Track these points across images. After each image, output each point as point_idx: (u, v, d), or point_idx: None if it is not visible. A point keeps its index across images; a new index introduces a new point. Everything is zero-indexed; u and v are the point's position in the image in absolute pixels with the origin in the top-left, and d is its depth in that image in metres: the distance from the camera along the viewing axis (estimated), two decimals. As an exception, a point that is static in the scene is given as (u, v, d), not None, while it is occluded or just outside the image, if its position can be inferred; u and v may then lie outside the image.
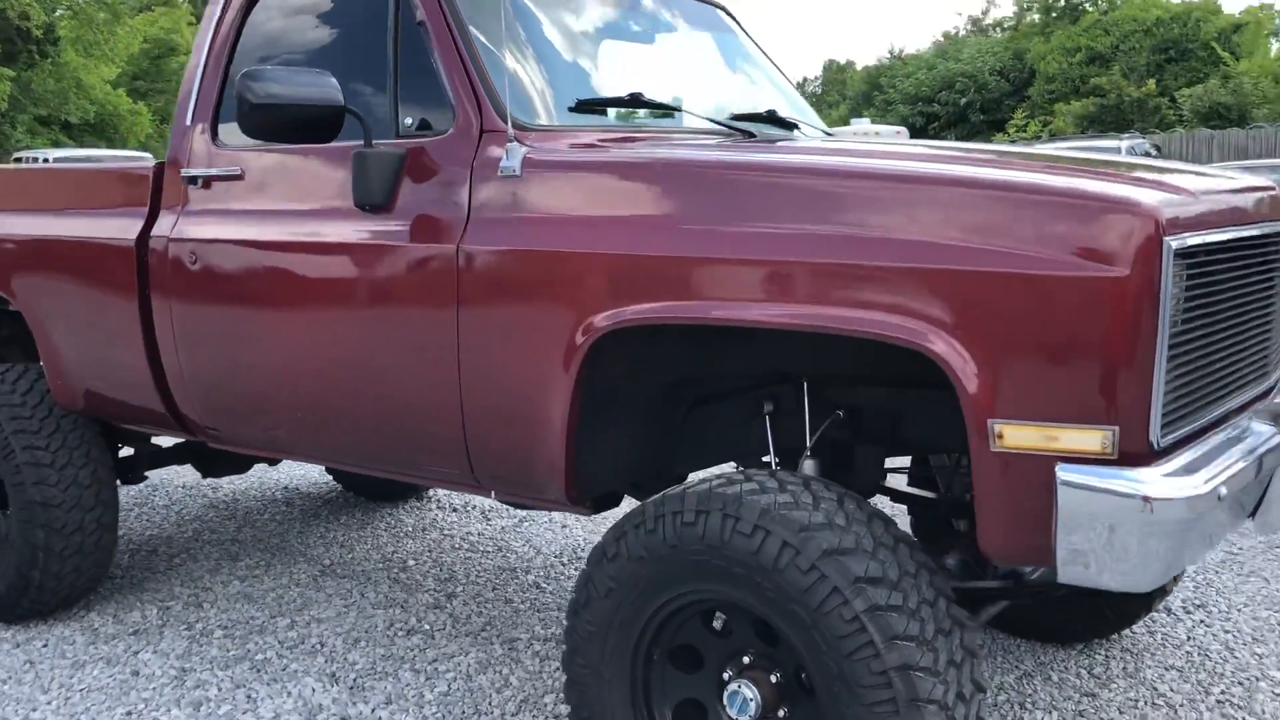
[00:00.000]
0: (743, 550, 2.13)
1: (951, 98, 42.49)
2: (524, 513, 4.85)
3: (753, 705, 2.26)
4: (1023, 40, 43.37)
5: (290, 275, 2.94)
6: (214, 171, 3.10)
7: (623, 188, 2.47)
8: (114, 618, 3.85)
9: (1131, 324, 1.87)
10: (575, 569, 4.21)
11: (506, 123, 2.60)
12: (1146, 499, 1.85)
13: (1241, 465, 2.09)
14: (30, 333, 3.67)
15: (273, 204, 2.99)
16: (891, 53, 61.05)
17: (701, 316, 2.28)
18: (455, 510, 5.05)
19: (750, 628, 2.28)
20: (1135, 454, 1.91)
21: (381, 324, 2.74)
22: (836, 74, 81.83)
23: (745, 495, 2.17)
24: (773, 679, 2.26)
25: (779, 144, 2.95)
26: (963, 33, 55.85)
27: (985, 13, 60.23)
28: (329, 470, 5.26)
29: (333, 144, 2.82)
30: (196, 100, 3.18)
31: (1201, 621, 3.62)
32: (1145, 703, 3.09)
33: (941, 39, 57.13)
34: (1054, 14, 43.07)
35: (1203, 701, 3.09)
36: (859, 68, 72.74)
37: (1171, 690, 3.15)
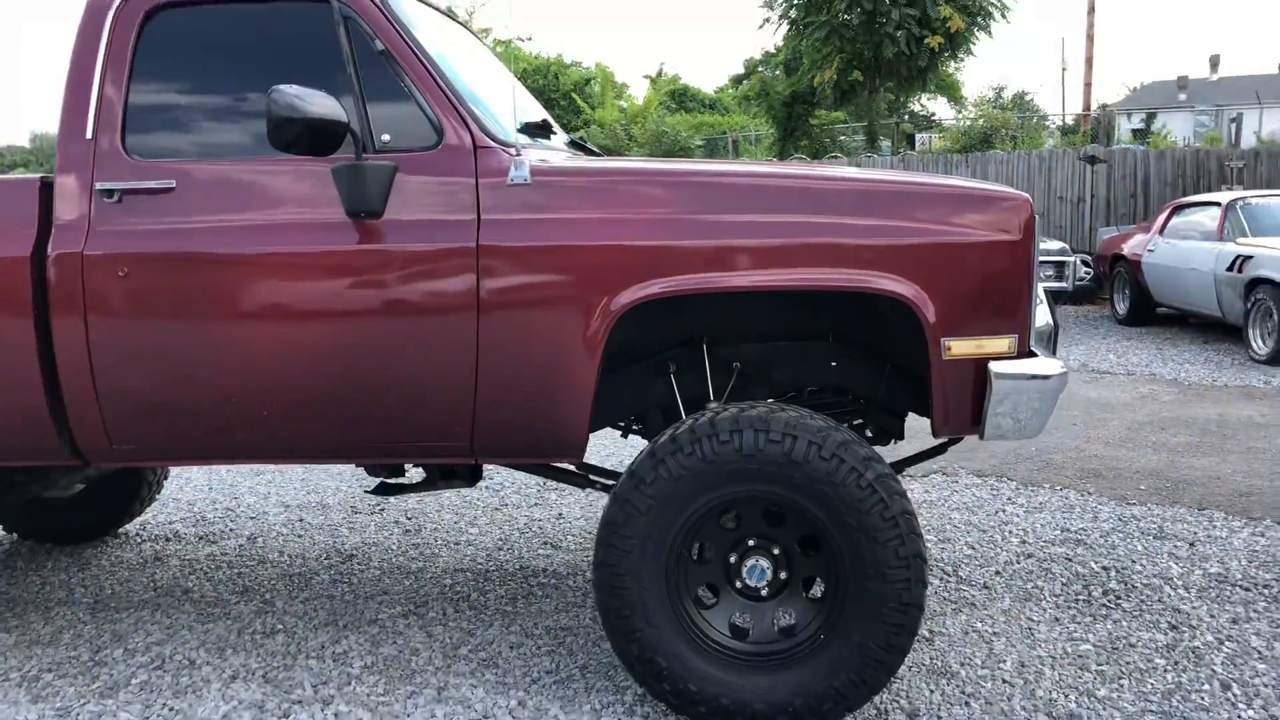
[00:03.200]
0: (775, 453, 2.89)
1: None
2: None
3: (767, 572, 3.03)
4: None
5: (264, 283, 3.05)
6: (136, 185, 3.10)
7: (623, 192, 3.07)
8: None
9: (1025, 266, 2.98)
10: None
11: (494, 140, 3.09)
12: (1044, 375, 2.96)
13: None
14: None
15: (219, 216, 3.09)
16: None
17: (731, 285, 2.98)
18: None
19: (760, 518, 3.03)
20: (1022, 354, 3.02)
21: (383, 321, 3.04)
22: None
23: (770, 415, 2.93)
24: (774, 552, 3.05)
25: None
26: None
27: None
28: (4, 527, 4.92)
29: (281, 159, 3.08)
30: (97, 113, 3.14)
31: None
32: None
33: None
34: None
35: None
36: None
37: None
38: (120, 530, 5.08)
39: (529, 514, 5.28)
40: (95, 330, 3.09)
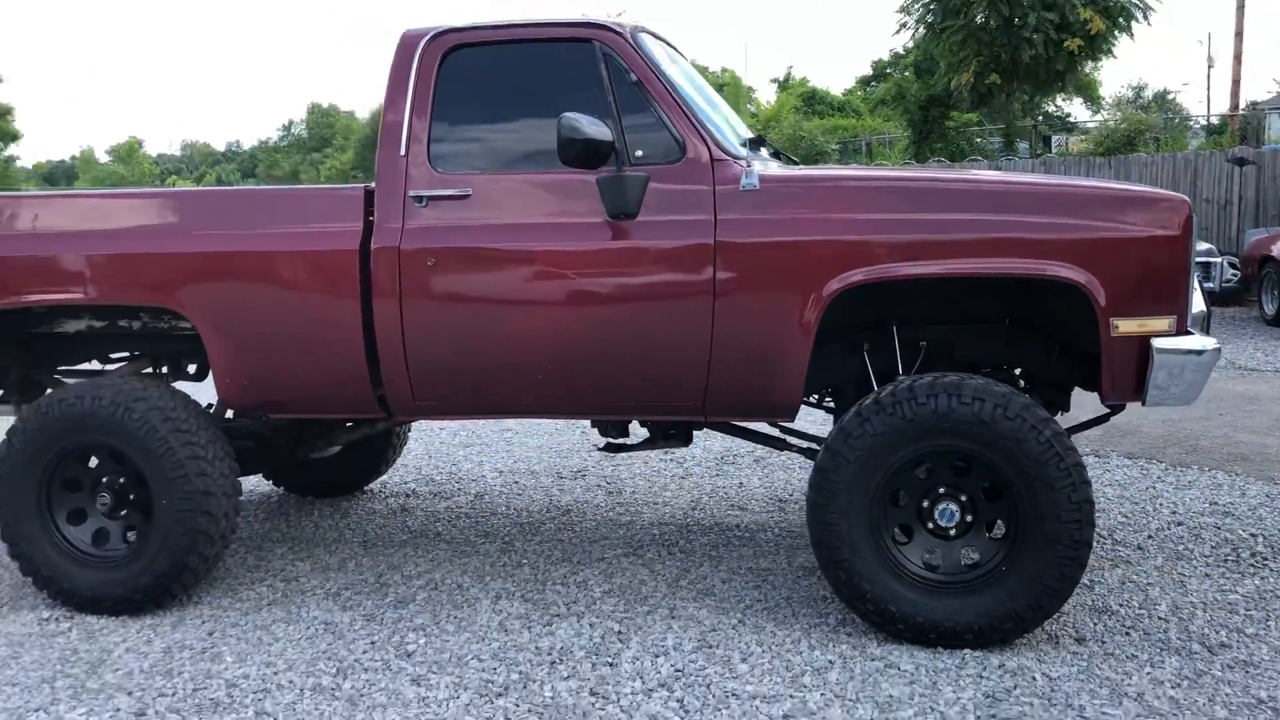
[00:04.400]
0: (966, 414, 3.48)
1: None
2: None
3: (955, 514, 3.62)
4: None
5: (541, 272, 3.79)
6: (440, 192, 3.87)
7: (838, 197, 3.71)
8: (233, 594, 4.31)
9: (1184, 259, 3.51)
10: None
11: (726, 154, 3.76)
12: (1199, 350, 3.49)
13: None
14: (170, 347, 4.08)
15: (506, 218, 3.83)
16: None
17: (923, 273, 3.58)
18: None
19: (950, 469, 3.62)
20: (1180, 332, 3.55)
21: (639, 301, 3.73)
22: (323, 117, 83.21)
23: (962, 381, 3.52)
24: (961, 498, 3.63)
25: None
26: None
27: None
28: (275, 482, 5.79)
29: (555, 171, 3.80)
30: (408, 138, 3.91)
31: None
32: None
33: None
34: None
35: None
36: (357, 114, 74.79)
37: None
38: (366, 487, 5.92)
39: (713, 483, 5.94)
40: (407, 309, 3.86)
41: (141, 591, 4.07)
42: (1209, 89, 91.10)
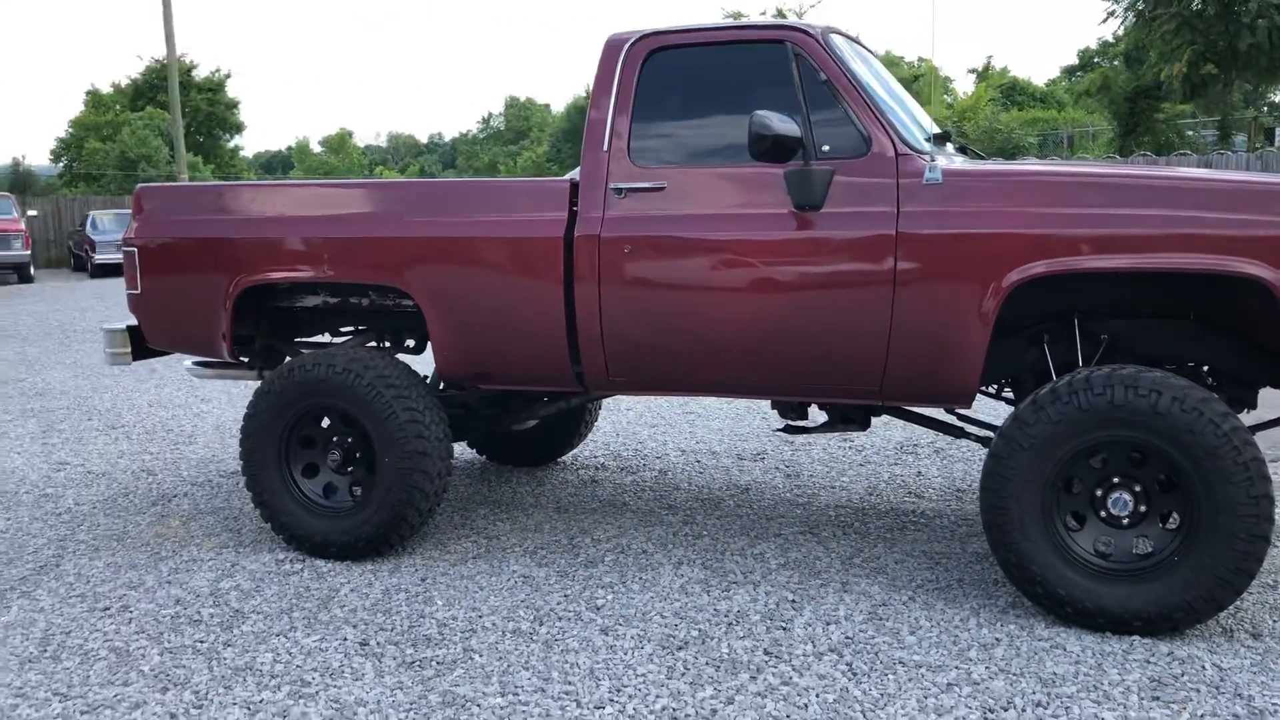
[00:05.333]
0: (1142, 405, 3.55)
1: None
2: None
3: (1129, 504, 3.69)
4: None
5: (731, 259, 4.05)
6: (638, 185, 4.19)
7: (1020, 190, 3.83)
8: (442, 547, 4.76)
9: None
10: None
11: (910, 148, 3.93)
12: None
13: None
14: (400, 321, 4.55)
15: (698, 209, 4.11)
16: (588, 93, 64.60)
17: (1104, 267, 3.66)
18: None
19: (1125, 459, 3.69)
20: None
21: (822, 288, 3.96)
22: (520, 110, 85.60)
23: (1139, 374, 3.59)
24: (1135, 488, 3.70)
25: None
26: None
27: None
28: (479, 451, 6.26)
29: (745, 165, 4.05)
30: (610, 134, 4.25)
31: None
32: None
33: None
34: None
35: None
36: (553, 108, 76.72)
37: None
38: (559, 460, 6.33)
39: (891, 470, 6.07)
40: (605, 291, 4.19)
41: (364, 540, 4.56)
42: None
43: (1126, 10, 24.73)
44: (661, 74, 4.28)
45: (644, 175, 4.20)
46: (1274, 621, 3.80)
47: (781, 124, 3.80)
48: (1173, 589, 3.59)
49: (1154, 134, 27.10)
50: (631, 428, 7.24)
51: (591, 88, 4.34)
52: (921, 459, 6.32)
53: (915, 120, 4.34)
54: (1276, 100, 37.40)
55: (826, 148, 4.00)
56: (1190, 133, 28.70)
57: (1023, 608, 3.93)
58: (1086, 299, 4.09)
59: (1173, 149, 25.37)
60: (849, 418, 4.58)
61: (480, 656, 3.67)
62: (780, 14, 32.62)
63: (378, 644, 3.79)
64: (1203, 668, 3.43)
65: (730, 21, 4.29)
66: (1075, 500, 3.78)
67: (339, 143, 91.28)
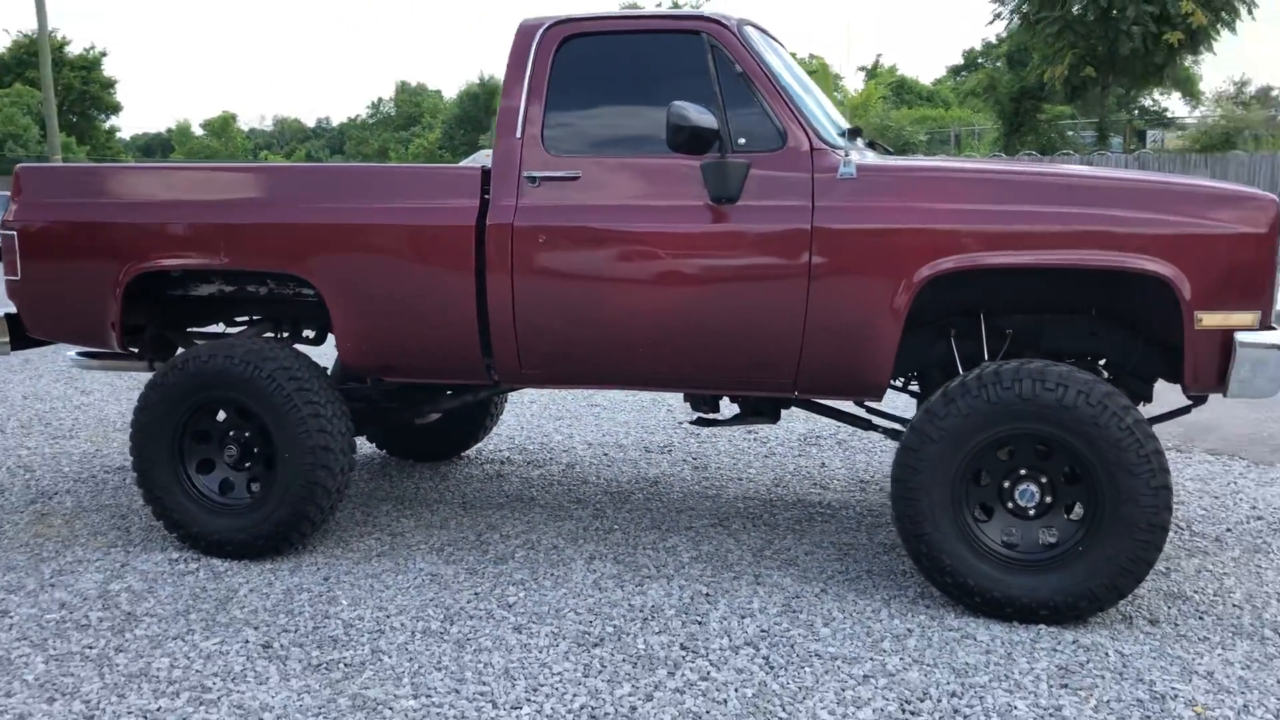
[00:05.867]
0: (1050, 399, 3.62)
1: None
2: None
3: (1035, 495, 3.77)
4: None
5: (649, 249, 4.00)
6: (552, 174, 4.10)
7: (934, 187, 3.86)
8: (345, 545, 4.62)
9: (1270, 256, 3.61)
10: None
11: (825, 143, 3.93)
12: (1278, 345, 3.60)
13: None
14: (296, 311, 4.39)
15: (614, 199, 4.05)
16: (482, 80, 64.66)
17: (1014, 263, 3.72)
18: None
19: (1032, 452, 3.76)
20: (1265, 327, 3.65)
21: (738, 281, 3.94)
22: (411, 96, 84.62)
23: (1046, 368, 3.66)
24: (1041, 480, 3.78)
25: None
26: None
27: None
28: (379, 445, 6.10)
29: (661, 156, 4.01)
30: (524, 121, 4.16)
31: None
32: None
33: None
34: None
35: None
36: (445, 94, 76.41)
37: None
38: (463, 454, 6.22)
39: (795, 462, 6.12)
40: (518, 282, 4.10)
41: (263, 538, 4.39)
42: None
43: (1012, 13, 25.53)
44: (575, 61, 4.20)
45: (559, 164, 4.12)
46: (1169, 608, 3.92)
47: (699, 115, 3.77)
48: (1078, 578, 3.67)
49: (1037, 134, 28.04)
50: (536, 421, 7.16)
51: (504, 74, 4.25)
52: (825, 450, 6.38)
53: (828, 115, 4.36)
54: (1146, 104, 39.06)
55: (742, 140, 3.98)
56: (1070, 133, 29.76)
57: (932, 598, 3.99)
58: (992, 294, 4.16)
59: (1055, 149, 26.24)
60: (760, 410, 4.58)
61: (390, 658, 3.56)
62: (675, 4, 32.76)
63: (281, 646, 3.65)
64: (1106, 655, 3.53)
65: (647, 10, 4.23)
66: (983, 492, 3.85)
67: (222, 126, 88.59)
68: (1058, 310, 4.22)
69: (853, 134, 4.38)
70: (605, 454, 6.30)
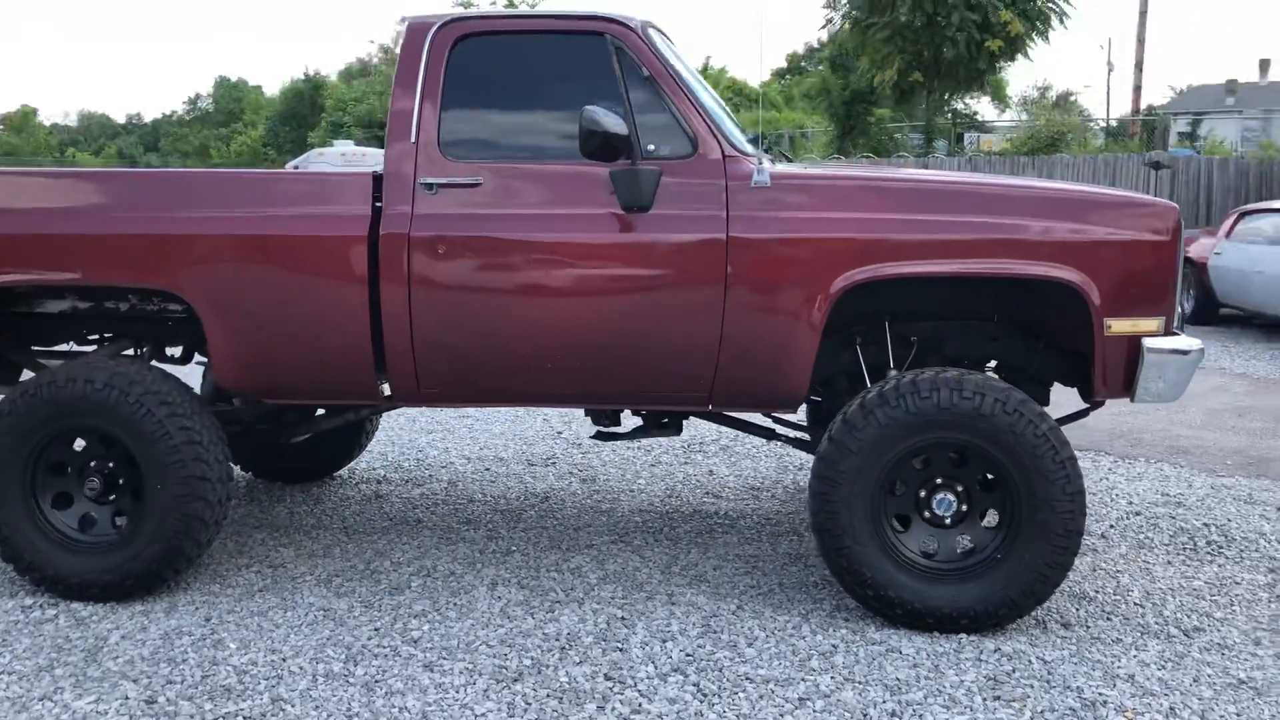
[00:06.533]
0: (967, 407, 3.61)
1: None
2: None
3: (953, 504, 3.76)
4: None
5: (558, 260, 3.81)
6: (452, 180, 3.86)
7: (849, 196, 3.80)
8: (222, 581, 4.28)
9: (1174, 264, 3.69)
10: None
11: (737, 150, 3.83)
12: (1186, 350, 3.68)
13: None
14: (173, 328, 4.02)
15: (519, 207, 3.84)
16: (307, 76, 63.10)
17: (932, 272, 3.70)
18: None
19: (947, 460, 3.76)
20: (1168, 332, 3.73)
21: (651, 293, 3.79)
22: (230, 91, 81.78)
23: (963, 376, 3.66)
24: (957, 488, 3.78)
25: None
26: (375, 60, 59.89)
27: (395, 42, 64.89)
28: (244, 468, 5.71)
29: (566, 162, 3.84)
30: (418, 125, 3.90)
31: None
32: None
33: (356, 65, 61.65)
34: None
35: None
36: (266, 91, 74.39)
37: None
38: (335, 474, 5.88)
39: (683, 470, 6.03)
40: (416, 295, 3.85)
41: (132, 578, 4.01)
42: (1109, 92, 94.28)
43: (844, 18, 26.25)
44: (472, 62, 3.98)
45: (458, 170, 3.89)
46: (1076, 609, 3.99)
47: (611, 121, 3.61)
48: (996, 585, 3.69)
49: (868, 136, 28.97)
50: (407, 435, 6.85)
51: (395, 74, 3.98)
52: (710, 457, 6.31)
53: (732, 121, 4.27)
54: (960, 108, 40.92)
55: (651, 147, 3.84)
56: (898, 136, 30.86)
57: (849, 610, 3.94)
58: (898, 301, 4.15)
59: (888, 151, 27.14)
60: (664, 422, 4.46)
61: (293, 707, 3.28)
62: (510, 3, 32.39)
63: (169, 700, 3.31)
64: (1030, 662, 3.54)
65: (544, 10, 4.05)
66: (899, 502, 3.82)
67: (22, 121, 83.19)
68: (961, 317, 4.24)
69: (752, 141, 4.30)
70: (487, 468, 6.07)
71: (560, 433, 6.86)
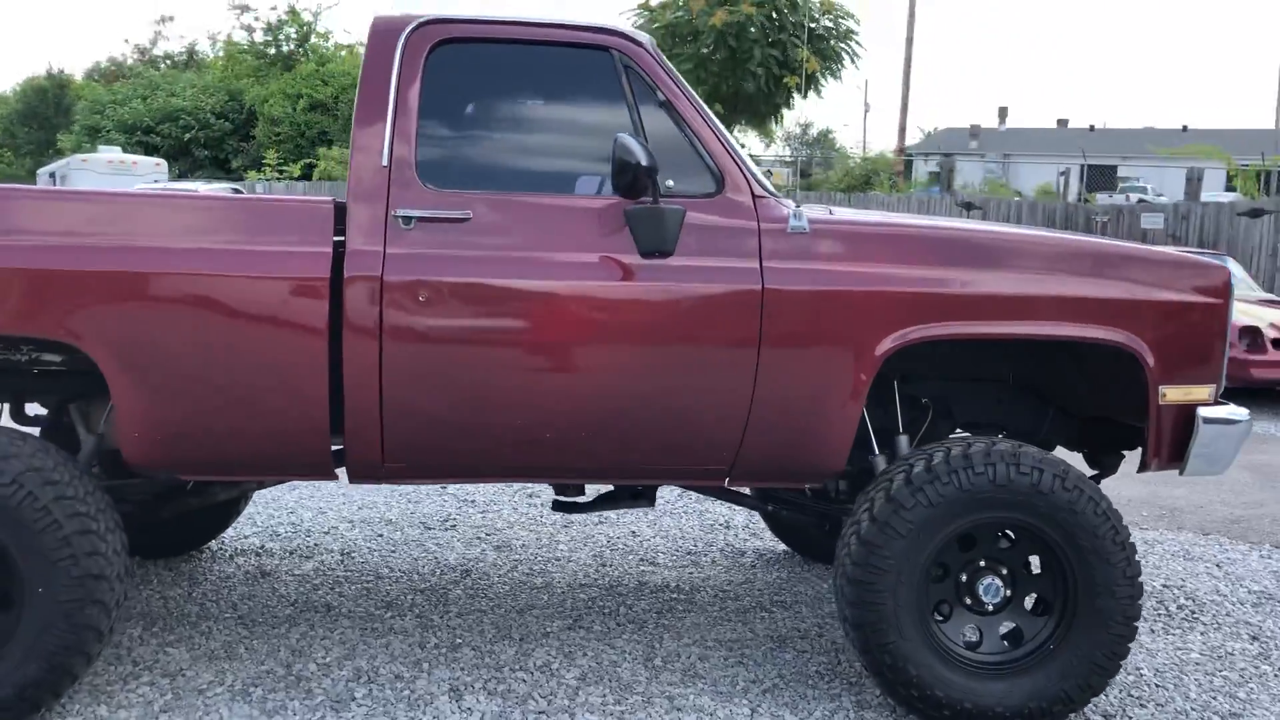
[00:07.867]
0: (1024, 484, 3.27)
1: (175, 131, 41.94)
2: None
3: (1001, 589, 3.40)
4: (235, 82, 44.13)
5: (564, 313, 3.21)
6: (435, 214, 3.20)
7: (895, 246, 3.39)
8: (108, 700, 3.41)
9: (1225, 328, 3.47)
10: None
11: (767, 190, 3.36)
12: (1237, 420, 3.47)
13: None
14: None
15: (518, 249, 3.22)
16: (50, 73, 58.32)
17: (984, 334, 3.35)
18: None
19: (994, 541, 3.40)
20: (1218, 402, 3.52)
21: (673, 352, 3.25)
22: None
23: (1019, 449, 3.31)
24: (1002, 572, 3.42)
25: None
26: (131, 61, 56.24)
27: (153, 43, 61.31)
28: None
29: (575, 196, 3.29)
30: (391, 145, 3.21)
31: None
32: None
33: (107, 64, 57.62)
34: (267, 60, 44.51)
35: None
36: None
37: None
38: (204, 546, 4.97)
39: (604, 530, 5.46)
40: (389, 351, 3.16)
41: None
42: (865, 131, 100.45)
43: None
44: (454, 73, 3.34)
45: (442, 201, 3.23)
46: (1107, 696, 3.71)
47: (644, 153, 3.06)
48: (1051, 679, 3.34)
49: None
50: (272, 495, 5.93)
51: (360, 84, 3.29)
52: (625, 515, 5.76)
53: (751, 157, 3.79)
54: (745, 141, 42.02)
55: (670, 183, 3.31)
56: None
57: (872, 705, 3.52)
58: (908, 360, 3.78)
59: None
60: (638, 494, 3.92)
61: None
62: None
63: None
64: (1099, 766, 3.23)
65: (543, 18, 3.44)
66: (941, 589, 3.44)
67: None
68: (970, 378, 3.93)
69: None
70: (378, 534, 5.30)
71: (445, 487, 6.15)
